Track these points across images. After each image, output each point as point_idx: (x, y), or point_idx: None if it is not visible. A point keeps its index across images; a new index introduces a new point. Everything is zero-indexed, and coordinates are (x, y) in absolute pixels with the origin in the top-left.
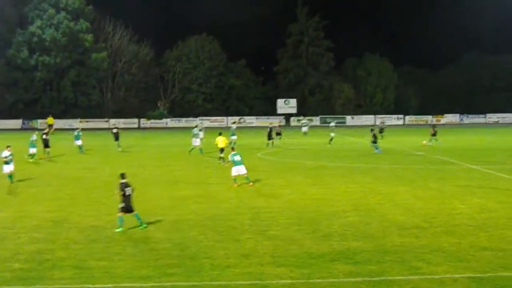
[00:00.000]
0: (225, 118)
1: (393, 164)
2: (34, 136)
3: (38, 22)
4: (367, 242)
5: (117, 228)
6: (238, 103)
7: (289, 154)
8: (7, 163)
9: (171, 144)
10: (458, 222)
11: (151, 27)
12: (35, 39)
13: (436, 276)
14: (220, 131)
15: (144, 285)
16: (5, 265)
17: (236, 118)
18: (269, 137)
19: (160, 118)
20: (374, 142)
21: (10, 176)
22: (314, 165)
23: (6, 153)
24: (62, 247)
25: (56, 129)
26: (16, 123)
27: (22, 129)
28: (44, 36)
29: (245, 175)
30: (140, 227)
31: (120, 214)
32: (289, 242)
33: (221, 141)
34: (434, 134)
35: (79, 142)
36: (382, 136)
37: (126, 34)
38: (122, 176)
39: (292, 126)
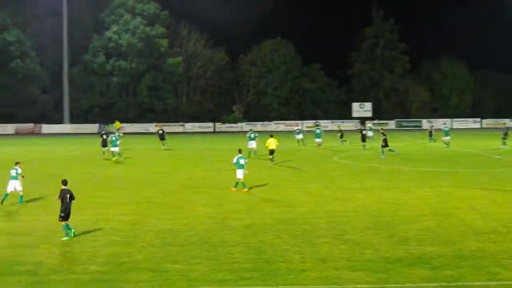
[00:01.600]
0: (300, 122)
1: (470, 168)
2: (117, 134)
3: (115, 28)
4: (444, 247)
5: (64, 237)
6: (313, 106)
7: (364, 157)
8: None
9: (245, 149)
10: None
11: (226, 31)
12: (111, 44)
13: None
14: (271, 133)
15: None
16: (83, 267)
17: (311, 122)
18: (363, 139)
19: (235, 122)
20: (385, 145)
21: (20, 197)
22: (389, 169)
23: (18, 170)
24: (139, 250)
25: (132, 133)
26: (93, 127)
27: (98, 133)
28: (120, 41)
29: (242, 180)
30: (65, 238)
31: (63, 222)
32: (365, 246)
33: (272, 143)
34: (505, 137)
35: (117, 149)
36: (433, 139)
37: (201, 38)
38: (64, 183)
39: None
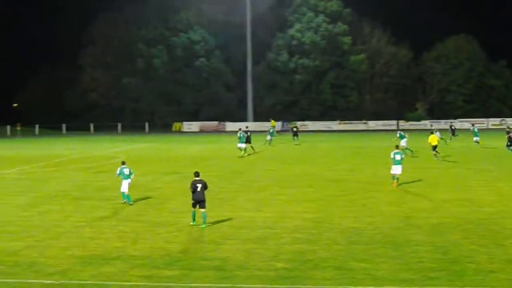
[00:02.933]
0: (485, 119)
1: None
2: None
3: (298, 26)
4: None
5: (190, 222)
6: (499, 104)
7: None
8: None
9: (428, 147)
10: None
11: (409, 28)
12: (294, 42)
13: None
14: (432, 130)
15: None
16: (268, 264)
17: (497, 120)
18: None
19: (419, 120)
20: (509, 145)
21: (127, 196)
22: None
23: (126, 170)
24: (323, 247)
25: (314, 131)
26: (276, 125)
27: (281, 131)
28: (303, 39)
29: (397, 176)
30: (201, 225)
31: (193, 209)
32: None
33: (434, 139)
34: None
35: (243, 146)
36: None
37: (384, 35)
38: (196, 174)
39: None
